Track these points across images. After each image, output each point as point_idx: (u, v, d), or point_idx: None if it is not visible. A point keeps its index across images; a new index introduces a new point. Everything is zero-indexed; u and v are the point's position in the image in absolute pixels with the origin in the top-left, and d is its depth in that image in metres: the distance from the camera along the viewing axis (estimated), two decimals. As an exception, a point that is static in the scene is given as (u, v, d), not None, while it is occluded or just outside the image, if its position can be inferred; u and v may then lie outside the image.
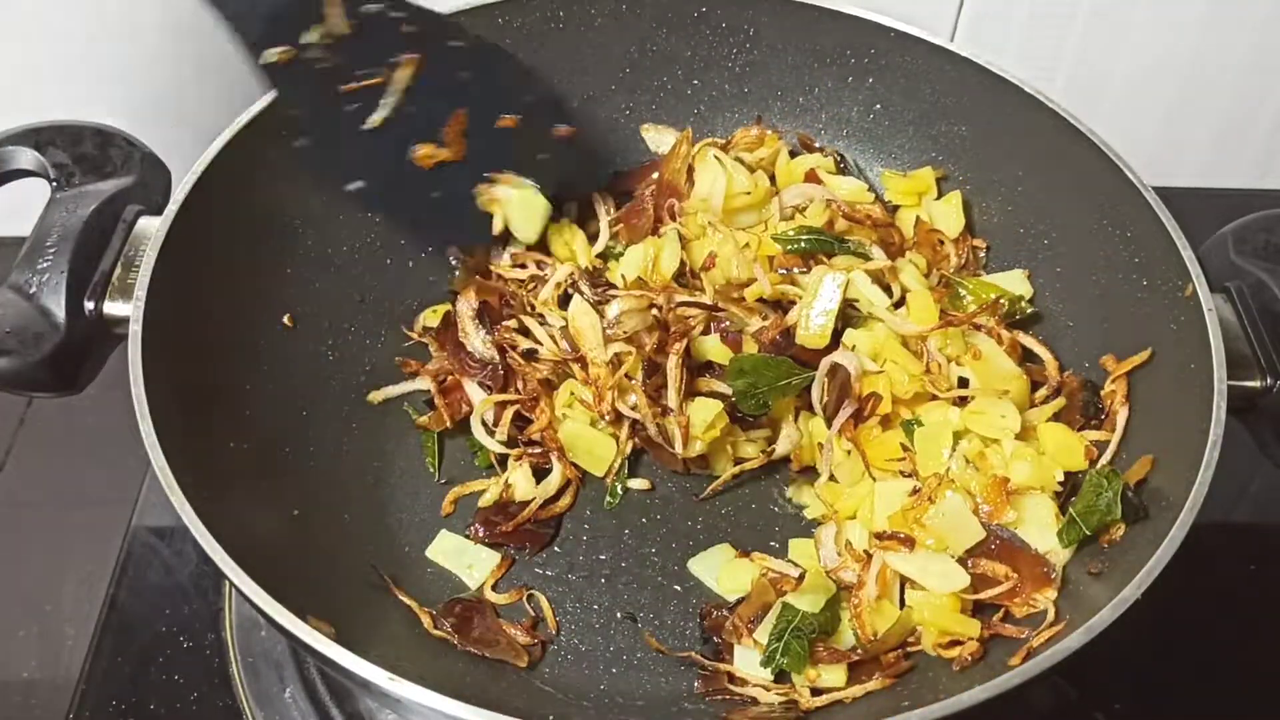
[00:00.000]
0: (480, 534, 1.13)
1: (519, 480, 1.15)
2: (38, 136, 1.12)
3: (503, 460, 1.17)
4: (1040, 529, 1.03)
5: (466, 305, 1.20)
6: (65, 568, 1.25)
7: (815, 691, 1.00)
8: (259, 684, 1.13)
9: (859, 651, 1.01)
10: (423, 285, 1.29)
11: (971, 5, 1.50)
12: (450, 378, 1.20)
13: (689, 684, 1.04)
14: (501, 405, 1.18)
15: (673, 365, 1.12)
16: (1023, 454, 1.06)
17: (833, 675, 1.00)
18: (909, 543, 1.03)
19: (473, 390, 1.19)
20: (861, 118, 1.33)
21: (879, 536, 1.05)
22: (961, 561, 1.03)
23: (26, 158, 1.12)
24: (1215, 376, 0.97)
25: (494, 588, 1.11)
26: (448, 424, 1.19)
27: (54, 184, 1.11)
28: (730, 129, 1.36)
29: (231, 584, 0.85)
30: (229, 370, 1.09)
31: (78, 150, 1.13)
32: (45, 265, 1.04)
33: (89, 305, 1.04)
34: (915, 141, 1.32)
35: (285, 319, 1.17)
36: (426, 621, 1.05)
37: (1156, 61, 1.57)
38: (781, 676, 1.02)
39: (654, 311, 1.14)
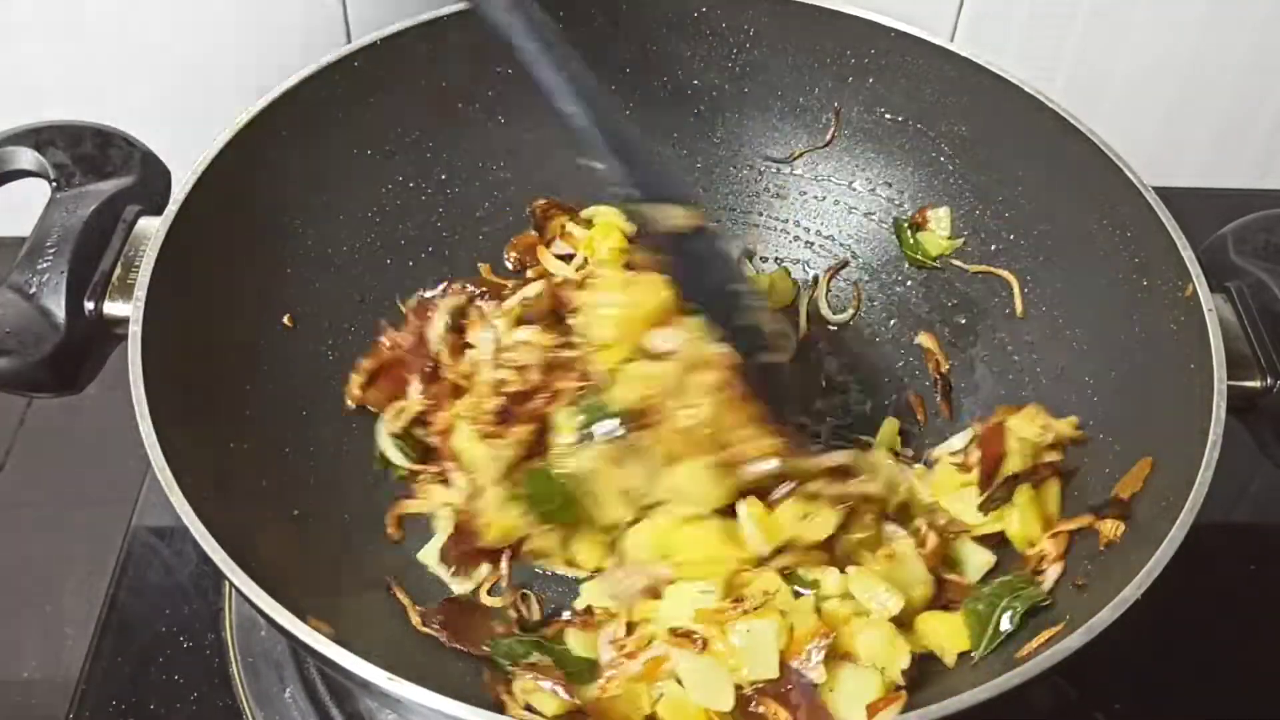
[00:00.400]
0: (457, 569, 1.10)
1: (437, 492, 1.13)
2: (38, 136, 1.12)
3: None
4: (851, 703, 0.92)
5: (451, 296, 1.19)
6: (65, 568, 1.25)
7: (527, 707, 0.96)
8: (259, 684, 1.13)
9: (583, 709, 0.95)
10: (423, 285, 1.29)
11: (971, 5, 1.50)
12: (398, 354, 1.19)
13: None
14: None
15: (509, 440, 1.06)
16: (879, 627, 0.96)
17: (545, 704, 0.95)
18: (702, 644, 0.93)
19: (413, 389, 1.18)
20: (861, 118, 1.33)
21: (674, 632, 0.96)
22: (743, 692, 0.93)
23: (26, 158, 1.12)
24: (1215, 376, 0.97)
25: (489, 591, 1.11)
26: (356, 396, 1.17)
27: (54, 184, 1.11)
28: (730, 129, 1.36)
29: (231, 584, 0.85)
30: (229, 370, 1.09)
31: (78, 150, 1.12)
32: (45, 265, 1.04)
33: (89, 305, 1.04)
34: (915, 141, 1.32)
35: (285, 319, 1.17)
36: (415, 620, 1.04)
37: (1156, 61, 1.57)
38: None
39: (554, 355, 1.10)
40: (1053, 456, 1.11)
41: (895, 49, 1.27)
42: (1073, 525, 1.03)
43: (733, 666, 0.92)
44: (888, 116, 1.32)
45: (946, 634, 0.99)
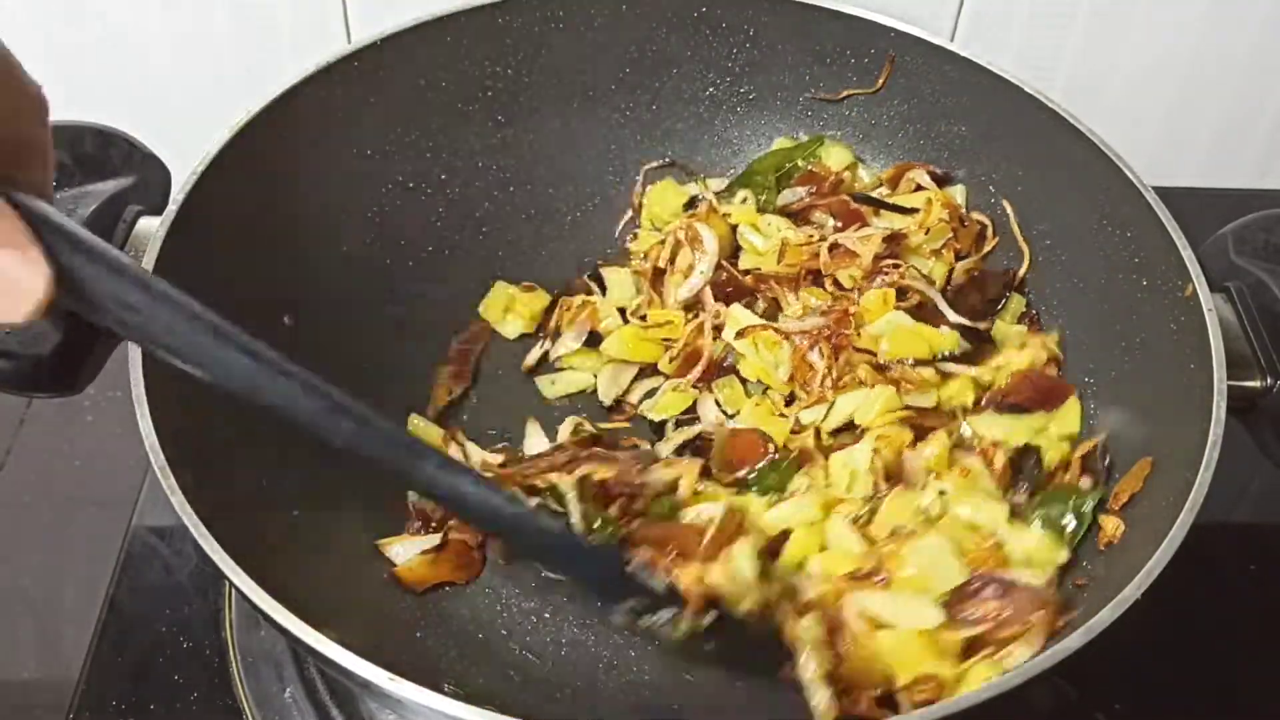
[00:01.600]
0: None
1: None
2: (38, 136, 1.12)
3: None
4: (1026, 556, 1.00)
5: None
6: (65, 568, 1.25)
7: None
8: (259, 684, 1.13)
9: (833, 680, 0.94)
10: (423, 285, 1.29)
11: (971, 5, 1.50)
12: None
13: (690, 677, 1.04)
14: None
15: None
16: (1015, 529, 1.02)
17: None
18: (884, 580, 0.95)
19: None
20: (861, 118, 1.33)
21: (852, 576, 0.97)
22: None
23: (27, 158, 1.11)
24: (1215, 376, 0.97)
25: None
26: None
27: (54, 184, 1.11)
28: (730, 128, 1.37)
29: (231, 584, 0.85)
30: (229, 370, 1.08)
31: (78, 150, 1.12)
32: (45, 265, 1.04)
33: (89, 305, 1.04)
34: (915, 141, 1.32)
35: (285, 319, 1.17)
36: None
37: (1156, 61, 1.57)
38: None
39: None
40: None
41: (895, 49, 1.27)
42: (1087, 446, 1.08)
43: (921, 589, 0.95)
44: (888, 116, 1.32)
45: (1034, 549, 1.02)
